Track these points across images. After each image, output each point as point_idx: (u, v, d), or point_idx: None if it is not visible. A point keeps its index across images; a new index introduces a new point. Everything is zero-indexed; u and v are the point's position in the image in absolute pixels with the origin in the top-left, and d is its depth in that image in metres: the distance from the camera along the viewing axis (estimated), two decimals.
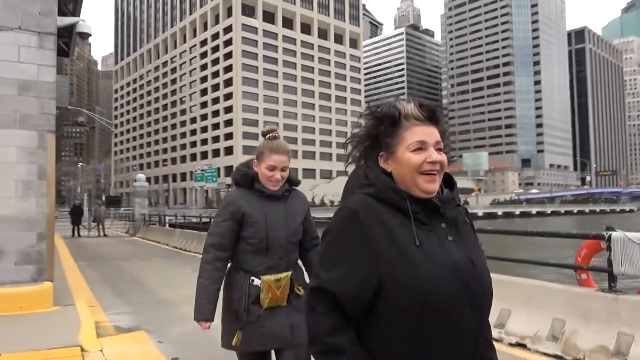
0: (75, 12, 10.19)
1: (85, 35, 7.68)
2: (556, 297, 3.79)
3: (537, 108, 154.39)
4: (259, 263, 2.12)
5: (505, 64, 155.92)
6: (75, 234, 21.83)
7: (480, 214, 77.61)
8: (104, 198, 35.55)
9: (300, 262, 2.32)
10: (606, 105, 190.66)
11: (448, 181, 1.18)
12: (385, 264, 1.02)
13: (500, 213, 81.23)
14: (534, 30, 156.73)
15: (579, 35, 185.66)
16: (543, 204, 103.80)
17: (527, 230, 4.52)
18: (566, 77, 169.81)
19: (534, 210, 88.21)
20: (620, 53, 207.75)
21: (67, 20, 6.91)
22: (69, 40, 9.33)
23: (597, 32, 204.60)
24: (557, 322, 3.65)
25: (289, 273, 2.17)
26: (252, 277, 2.10)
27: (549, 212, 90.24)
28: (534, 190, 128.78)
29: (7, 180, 5.66)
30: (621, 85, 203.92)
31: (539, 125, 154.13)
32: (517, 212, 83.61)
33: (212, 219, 2.29)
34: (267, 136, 2.20)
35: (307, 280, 2.05)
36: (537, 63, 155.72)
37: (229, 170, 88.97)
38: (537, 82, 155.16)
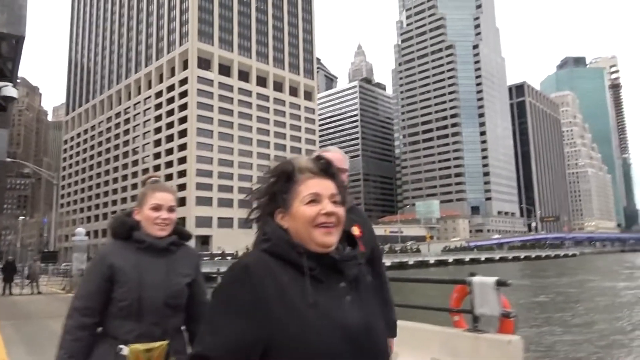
0: (14, 71, 10.40)
1: (9, 99, 7.80)
2: (433, 338, 4.17)
3: (484, 157, 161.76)
4: (129, 329, 1.78)
5: (453, 116, 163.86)
6: (7, 291, 20.74)
7: (432, 261, 78.89)
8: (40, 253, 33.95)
9: (184, 330, 2.01)
10: (547, 154, 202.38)
11: (351, 239, 1.16)
12: (274, 326, 0.96)
13: (451, 260, 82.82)
14: (478, 84, 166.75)
15: (519, 89, 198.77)
16: (492, 250, 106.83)
17: (410, 277, 4.93)
18: (509, 128, 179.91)
19: (483, 257, 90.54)
20: (557, 106, 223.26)
21: None
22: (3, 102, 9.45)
23: (536, 86, 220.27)
24: None
25: (165, 342, 1.84)
26: (121, 346, 1.77)
27: (497, 258, 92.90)
28: (496, 236, 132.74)
29: None
30: (559, 135, 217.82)
31: (486, 174, 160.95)
32: (467, 259, 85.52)
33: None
34: (151, 180, 2.01)
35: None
36: (481, 115, 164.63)
37: (181, 221, 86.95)
38: (483, 133, 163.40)
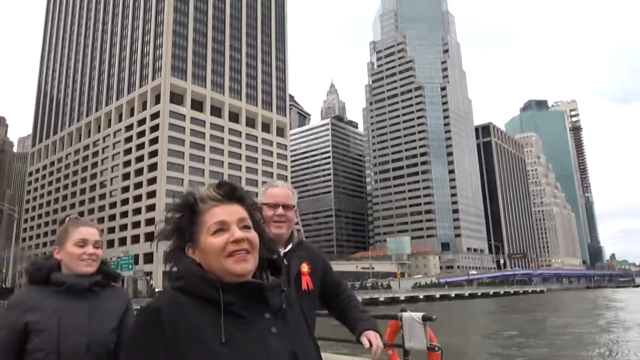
0: None
1: None
2: None
3: (453, 195, 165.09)
4: None
5: (423, 154, 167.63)
6: None
7: (402, 297, 78.97)
8: None
9: None
10: (513, 192, 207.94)
11: (274, 267, 1.11)
12: None
13: (421, 297, 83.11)
14: (446, 124, 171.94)
15: (485, 130, 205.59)
16: (462, 286, 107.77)
17: None
18: (476, 167, 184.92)
19: (452, 293, 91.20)
20: (522, 146, 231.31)
21: None
22: None
23: (501, 127, 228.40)
24: None
25: None
26: None
27: (467, 294, 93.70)
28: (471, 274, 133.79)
29: None
30: (525, 174, 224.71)
31: (455, 211, 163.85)
32: (438, 295, 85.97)
33: None
34: (68, 218, 1.90)
35: None
36: (450, 154, 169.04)
37: (148, 257, 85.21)
38: (452, 171, 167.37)
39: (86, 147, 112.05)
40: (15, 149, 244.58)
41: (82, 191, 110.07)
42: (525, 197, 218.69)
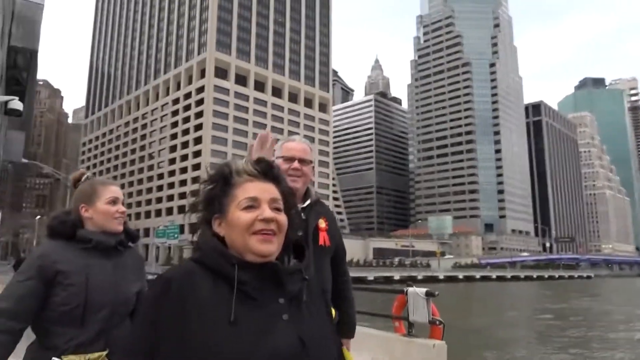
0: (28, 80, 11.17)
1: (13, 112, 8.42)
2: (375, 341, 4.61)
3: (499, 175, 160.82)
4: (69, 338, 1.60)
5: (468, 133, 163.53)
6: None
7: (441, 277, 78.58)
8: None
9: None
10: (564, 174, 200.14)
11: (298, 251, 1.07)
12: (188, 348, 0.88)
13: (461, 277, 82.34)
14: (494, 102, 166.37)
15: (535, 108, 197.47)
16: (504, 268, 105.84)
17: (360, 287, 5.40)
18: (525, 147, 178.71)
19: (494, 275, 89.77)
20: (575, 126, 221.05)
21: (2, 98, 7.73)
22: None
23: (553, 106, 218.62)
24: None
25: (104, 353, 1.67)
26: (54, 358, 1.58)
27: (509, 276, 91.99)
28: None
29: None
30: (577, 156, 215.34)
31: (500, 192, 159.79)
32: (478, 276, 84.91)
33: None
34: (85, 176, 1.87)
35: None
36: (497, 133, 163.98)
37: (193, 227, 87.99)
38: (498, 151, 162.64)
39: (135, 120, 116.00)
40: (70, 120, 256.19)
41: (132, 162, 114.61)
42: (576, 180, 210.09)
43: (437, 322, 4.16)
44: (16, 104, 7.74)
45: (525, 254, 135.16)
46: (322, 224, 2.00)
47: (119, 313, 1.69)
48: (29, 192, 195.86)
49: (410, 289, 4.36)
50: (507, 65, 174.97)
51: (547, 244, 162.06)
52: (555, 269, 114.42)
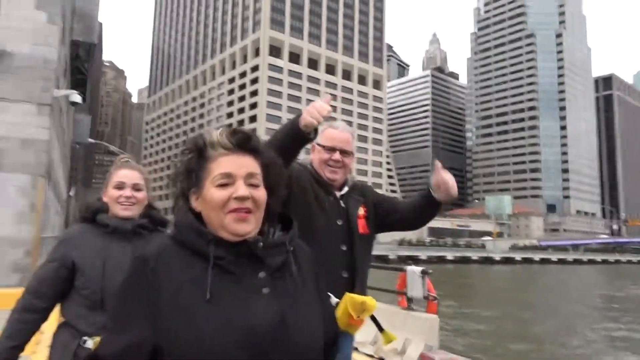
0: (89, 69, 12.24)
1: (75, 104, 9.37)
2: (379, 313, 5.06)
3: (563, 153, 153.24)
4: (92, 321, 1.65)
5: (531, 108, 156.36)
6: None
7: (497, 258, 76.81)
8: None
9: None
10: (636, 152, 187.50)
11: (286, 222, 1.03)
12: (165, 328, 0.86)
13: (518, 258, 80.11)
14: (560, 75, 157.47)
15: (606, 81, 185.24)
16: (566, 251, 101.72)
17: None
18: (593, 123, 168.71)
19: (554, 258, 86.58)
20: None
21: (62, 92, 8.70)
22: (85, 90, 11.29)
23: (628, 79, 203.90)
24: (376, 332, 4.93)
25: None
26: (85, 338, 1.64)
27: (571, 259, 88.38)
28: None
29: (7, 210, 7.41)
30: None
31: (565, 171, 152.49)
32: (537, 259, 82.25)
33: None
34: (120, 160, 1.92)
35: None
36: (562, 108, 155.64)
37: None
38: (563, 127, 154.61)
39: (194, 99, 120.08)
40: (134, 99, 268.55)
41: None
42: None
43: (431, 298, 4.56)
44: (75, 97, 8.67)
45: (599, 236, 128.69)
46: (361, 211, 1.95)
47: None
48: (97, 169, 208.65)
49: (409, 268, 4.77)
50: (575, 35, 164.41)
51: (615, 227, 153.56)
52: (623, 253, 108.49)
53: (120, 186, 1.76)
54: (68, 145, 18.06)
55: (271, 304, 0.90)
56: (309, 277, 1.01)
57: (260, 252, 0.92)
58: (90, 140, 22.54)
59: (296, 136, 1.64)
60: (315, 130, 1.70)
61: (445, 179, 1.81)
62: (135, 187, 1.78)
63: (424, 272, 4.60)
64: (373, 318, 1.86)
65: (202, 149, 0.96)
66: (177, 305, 0.86)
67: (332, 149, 1.94)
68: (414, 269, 4.74)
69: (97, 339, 1.46)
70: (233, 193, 0.92)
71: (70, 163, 22.32)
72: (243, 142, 0.95)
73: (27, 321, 1.65)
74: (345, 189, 1.99)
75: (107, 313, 1.61)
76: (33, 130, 7.65)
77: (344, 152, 1.95)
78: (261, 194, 0.94)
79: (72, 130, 17.74)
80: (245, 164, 0.94)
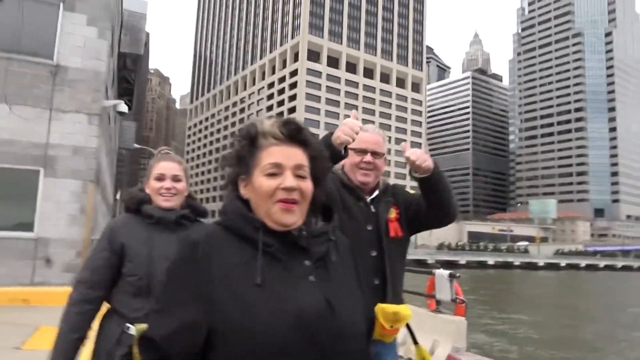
0: (136, 78, 12.90)
1: (122, 114, 9.94)
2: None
3: (613, 156, 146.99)
4: (138, 307, 1.69)
5: (577, 110, 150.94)
6: None
7: (540, 263, 74.53)
8: None
9: None
10: None
11: (327, 213, 1.06)
12: (217, 311, 0.87)
13: (563, 264, 77.43)
14: (609, 75, 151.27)
15: None
16: (615, 256, 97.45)
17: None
18: None
19: (601, 264, 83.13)
20: None
21: (110, 102, 9.26)
22: (131, 99, 11.93)
23: None
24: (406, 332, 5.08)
25: None
26: (128, 325, 1.68)
27: (619, 266, 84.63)
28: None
29: (60, 214, 7.97)
30: None
31: (614, 174, 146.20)
32: (583, 265, 79.25)
33: None
34: (158, 151, 2.00)
35: None
36: (612, 109, 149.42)
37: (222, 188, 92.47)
38: (613, 129, 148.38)
39: (234, 104, 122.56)
40: (177, 105, 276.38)
41: (232, 145, 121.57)
42: None
43: (459, 301, 4.66)
44: (122, 107, 9.22)
45: None
46: (392, 214, 1.92)
47: None
48: (142, 172, 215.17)
49: (437, 271, 4.89)
50: (627, 33, 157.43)
51: None
52: None
53: (160, 178, 1.82)
54: (115, 151, 18.99)
55: (316, 291, 0.92)
56: (349, 266, 1.05)
57: (305, 241, 0.96)
58: (136, 145, 23.54)
59: (330, 154, 1.58)
60: (346, 148, 1.70)
61: (408, 156, 1.82)
62: (175, 178, 1.83)
63: (451, 275, 4.71)
64: (409, 328, 1.93)
65: (253, 138, 0.98)
66: (228, 288, 0.89)
67: (363, 151, 1.92)
68: (442, 272, 4.85)
69: (141, 325, 1.47)
70: (281, 183, 0.94)
71: (116, 167, 23.41)
72: (294, 134, 0.97)
73: (84, 312, 1.71)
74: (376, 192, 1.95)
75: (154, 298, 1.60)
76: (83, 138, 8.19)
77: (375, 154, 1.94)
78: (308, 185, 0.97)
79: (118, 137, 18.66)
80: (294, 155, 0.96)
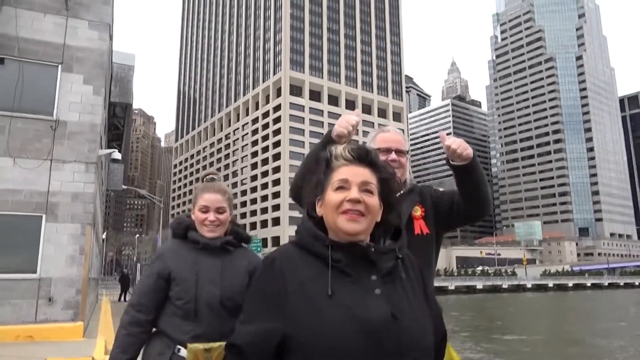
0: (125, 125, 13.76)
1: (116, 161, 10.77)
2: None
3: (592, 175, 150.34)
4: (187, 330, 1.76)
5: (555, 132, 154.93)
6: (122, 298, 24.60)
7: (528, 285, 75.27)
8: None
9: None
10: None
11: (396, 234, 1.14)
12: (291, 319, 0.99)
13: (551, 285, 78.28)
14: (583, 97, 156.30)
15: (632, 100, 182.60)
16: (601, 275, 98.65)
17: None
18: (621, 142, 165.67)
19: (588, 283, 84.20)
20: None
21: (105, 151, 10.12)
22: (120, 144, 12.75)
23: None
24: None
25: (223, 343, 1.53)
26: (178, 346, 1.74)
27: (606, 284, 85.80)
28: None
29: (61, 255, 8.65)
30: None
31: (595, 193, 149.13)
32: (570, 284, 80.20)
33: None
34: (204, 179, 2.04)
35: None
36: (588, 130, 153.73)
37: (276, 240, 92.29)
38: (590, 149, 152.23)
39: (219, 140, 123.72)
40: (163, 144, 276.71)
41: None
42: None
43: None
44: (116, 155, 10.03)
45: None
46: (417, 211, 1.95)
47: (228, 307, 1.78)
48: (129, 213, 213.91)
49: None
50: (596, 56, 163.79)
51: None
52: None
53: (205, 210, 1.90)
54: (104, 193, 19.63)
55: (382, 303, 1.00)
56: (417, 283, 1.12)
57: (373, 256, 1.05)
58: (124, 186, 24.14)
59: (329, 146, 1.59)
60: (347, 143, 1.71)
61: (448, 145, 1.83)
62: (219, 211, 1.91)
63: None
64: None
65: (328, 160, 1.11)
66: (301, 299, 1.00)
67: (387, 150, 1.99)
68: None
69: (194, 345, 1.67)
70: (347, 196, 1.05)
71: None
72: (362, 156, 1.10)
73: (134, 334, 1.77)
74: (401, 191, 1.99)
75: (200, 322, 1.75)
76: (82, 185, 8.97)
77: (399, 152, 2.01)
78: (373, 201, 1.07)
79: (107, 179, 19.36)
80: (361, 173, 1.08)
